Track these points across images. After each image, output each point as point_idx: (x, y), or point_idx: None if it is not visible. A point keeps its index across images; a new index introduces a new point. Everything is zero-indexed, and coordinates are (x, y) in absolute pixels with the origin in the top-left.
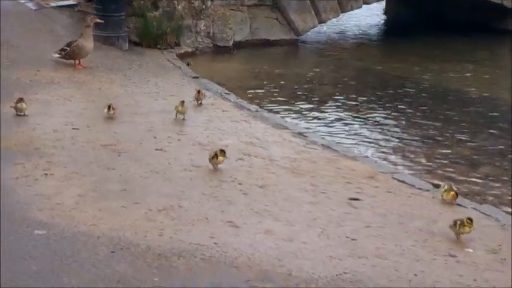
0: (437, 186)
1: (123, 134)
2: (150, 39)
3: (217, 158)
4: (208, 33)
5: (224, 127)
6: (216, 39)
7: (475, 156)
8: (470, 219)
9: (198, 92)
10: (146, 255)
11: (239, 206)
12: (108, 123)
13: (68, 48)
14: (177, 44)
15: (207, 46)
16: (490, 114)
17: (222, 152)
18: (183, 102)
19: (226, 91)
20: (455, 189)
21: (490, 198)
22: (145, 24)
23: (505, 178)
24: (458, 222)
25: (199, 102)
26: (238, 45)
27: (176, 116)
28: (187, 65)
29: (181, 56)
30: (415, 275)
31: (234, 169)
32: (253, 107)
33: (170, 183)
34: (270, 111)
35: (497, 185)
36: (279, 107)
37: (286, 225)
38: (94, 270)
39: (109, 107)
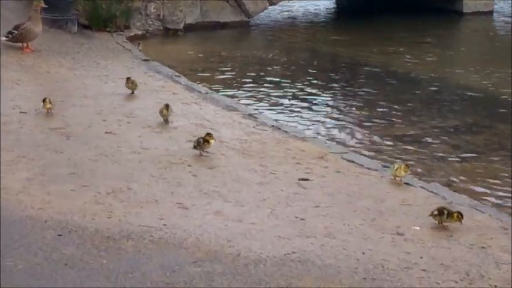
0: (387, 166)
1: (71, 117)
2: (99, 22)
3: (208, 143)
4: (159, 15)
5: (174, 109)
6: (167, 21)
7: (423, 136)
8: (461, 214)
9: (128, 79)
10: (94, 238)
11: (188, 188)
12: (56, 107)
13: (16, 31)
14: (127, 27)
15: (158, 29)
16: (440, 95)
17: (210, 135)
18: (167, 105)
19: (177, 73)
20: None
21: (438, 176)
22: (94, 6)
23: (453, 157)
24: (446, 212)
25: (131, 92)
26: (189, 28)
27: (164, 120)
28: (138, 45)
29: (131, 39)
30: (363, 253)
31: (184, 151)
32: (203, 89)
33: (119, 166)
34: (221, 93)
35: (444, 164)
36: (229, 89)
37: (236, 206)
38: (41, 253)
39: (44, 100)
